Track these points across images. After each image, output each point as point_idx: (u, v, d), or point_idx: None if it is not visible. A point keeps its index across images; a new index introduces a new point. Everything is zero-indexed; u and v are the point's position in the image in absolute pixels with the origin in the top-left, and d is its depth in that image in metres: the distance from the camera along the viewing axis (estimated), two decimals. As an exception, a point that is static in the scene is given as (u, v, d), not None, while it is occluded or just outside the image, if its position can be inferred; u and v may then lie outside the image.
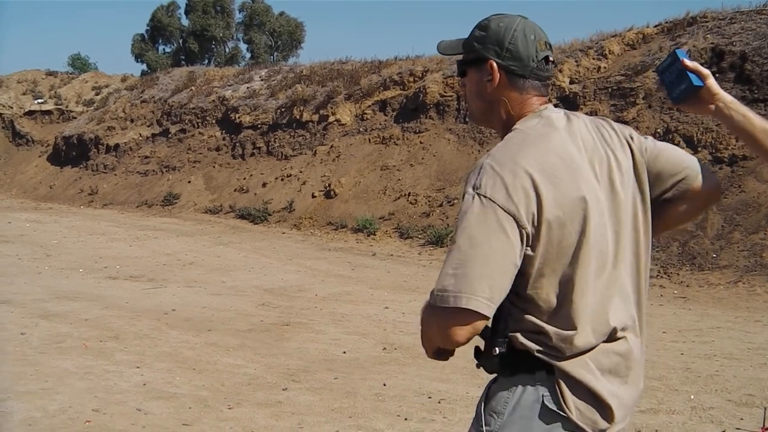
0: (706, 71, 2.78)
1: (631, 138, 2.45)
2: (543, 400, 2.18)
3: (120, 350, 8.43)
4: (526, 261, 2.16)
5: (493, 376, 2.34)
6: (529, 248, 2.15)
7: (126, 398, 6.77)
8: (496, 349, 2.22)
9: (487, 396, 2.32)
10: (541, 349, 2.19)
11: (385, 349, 8.69)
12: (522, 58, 2.34)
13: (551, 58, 2.41)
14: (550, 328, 2.18)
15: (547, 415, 2.18)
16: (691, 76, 2.78)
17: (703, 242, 13.46)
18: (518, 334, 2.22)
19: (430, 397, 6.91)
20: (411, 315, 10.38)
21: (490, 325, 2.22)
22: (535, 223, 2.13)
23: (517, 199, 2.11)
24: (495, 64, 2.36)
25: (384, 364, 8.05)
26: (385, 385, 7.28)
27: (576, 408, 2.17)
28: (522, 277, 2.18)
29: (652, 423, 6.12)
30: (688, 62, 2.77)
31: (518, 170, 2.15)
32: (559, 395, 2.17)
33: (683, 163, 2.49)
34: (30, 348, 8.42)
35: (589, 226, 2.19)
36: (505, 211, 2.10)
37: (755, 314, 10.69)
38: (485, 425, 2.27)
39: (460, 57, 2.53)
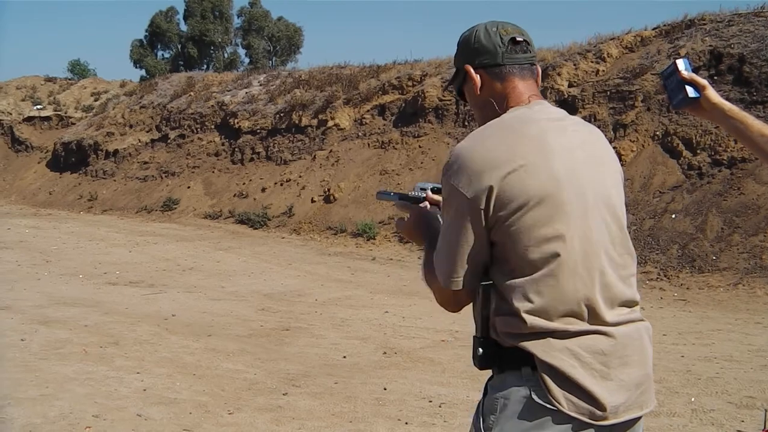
0: (703, 82, 2.85)
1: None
2: (531, 395, 2.20)
3: (120, 356, 8.43)
4: (500, 246, 2.27)
5: (490, 374, 2.39)
6: (497, 231, 2.25)
7: (126, 404, 6.76)
8: (479, 349, 2.31)
9: (484, 394, 2.37)
10: (522, 336, 2.23)
11: (385, 353, 8.69)
12: (489, 50, 2.43)
13: (519, 39, 2.44)
14: (527, 315, 2.22)
15: (535, 410, 2.20)
16: (689, 88, 2.87)
17: (703, 244, 13.45)
18: (503, 332, 2.28)
19: (430, 401, 6.91)
20: (411, 319, 10.38)
21: (476, 329, 2.35)
22: (500, 207, 2.22)
23: (478, 185, 2.22)
24: (470, 68, 2.47)
25: (384, 369, 8.05)
26: (385, 389, 7.28)
27: (567, 399, 2.18)
28: (499, 262, 2.29)
29: (652, 426, 6.11)
30: (685, 74, 2.88)
31: (484, 155, 2.25)
32: (545, 390, 2.18)
33: None
34: (30, 354, 8.41)
35: (564, 210, 2.24)
36: (466, 196, 2.24)
37: (755, 316, 10.69)
38: (482, 422, 2.32)
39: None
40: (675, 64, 2.92)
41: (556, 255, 2.22)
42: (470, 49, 2.46)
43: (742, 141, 2.93)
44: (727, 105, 2.88)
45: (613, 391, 2.23)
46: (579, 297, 2.23)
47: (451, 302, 2.45)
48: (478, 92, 2.46)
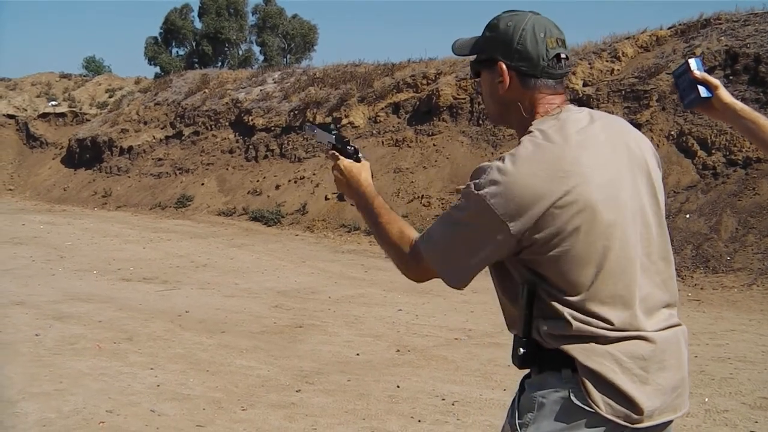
0: (715, 82, 2.86)
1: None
2: (569, 396, 2.22)
3: (134, 352, 8.46)
4: (537, 265, 2.26)
5: (527, 372, 2.41)
6: (532, 252, 2.24)
7: (140, 399, 6.79)
8: (521, 349, 2.31)
9: (521, 391, 2.40)
10: (565, 339, 2.25)
11: (398, 351, 8.70)
12: (531, 58, 2.35)
13: (563, 55, 2.40)
14: (574, 321, 2.23)
15: (573, 411, 2.22)
16: (701, 87, 2.87)
17: (717, 245, 13.42)
18: (546, 334, 2.28)
19: (443, 399, 6.91)
20: (424, 317, 10.38)
21: (517, 329, 2.35)
22: (536, 231, 2.19)
23: (519, 217, 2.19)
24: (504, 66, 2.38)
25: (397, 366, 8.06)
26: (398, 387, 7.28)
27: (605, 403, 2.20)
28: (539, 276, 2.27)
29: (666, 426, 6.10)
30: (697, 74, 2.88)
31: (526, 183, 2.20)
32: (584, 392, 2.20)
33: None
34: (44, 349, 8.45)
35: (603, 234, 2.23)
36: (504, 222, 2.19)
37: (769, 317, 10.65)
38: (518, 419, 2.34)
39: (473, 57, 2.54)
40: (687, 63, 2.92)
41: (596, 276, 2.23)
42: (511, 47, 2.36)
43: (754, 141, 2.93)
44: (739, 105, 2.88)
45: (650, 395, 2.25)
46: (618, 311, 2.24)
47: (425, 278, 2.50)
48: (504, 92, 2.41)
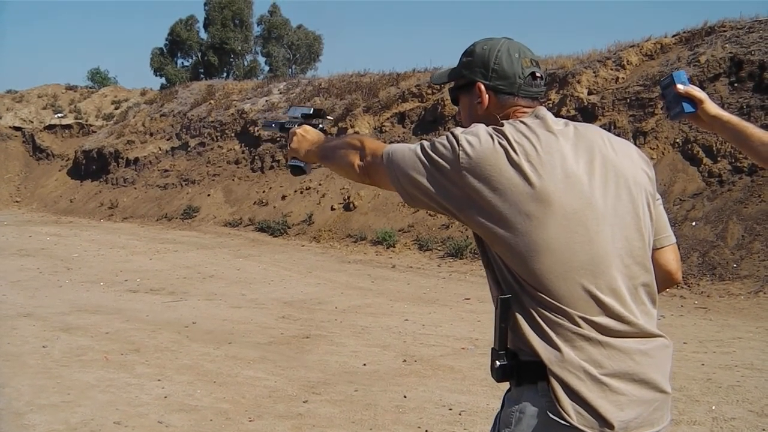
0: (700, 95, 2.88)
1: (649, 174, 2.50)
2: (545, 410, 2.21)
3: (141, 363, 8.47)
4: (503, 259, 2.29)
5: (508, 387, 2.40)
6: (490, 221, 2.27)
7: (147, 411, 6.80)
8: (497, 362, 2.32)
9: (502, 406, 2.39)
10: (537, 345, 2.24)
11: (405, 361, 8.69)
12: (508, 76, 2.44)
13: (538, 74, 2.48)
14: (545, 325, 2.24)
15: (548, 426, 2.21)
16: (684, 104, 2.86)
17: (724, 252, 13.40)
18: (518, 346, 2.30)
19: (450, 409, 6.90)
20: (431, 327, 10.38)
21: (494, 342, 2.36)
22: (491, 190, 2.24)
23: (483, 159, 2.25)
24: (482, 86, 2.47)
25: (404, 376, 8.05)
26: (405, 397, 7.27)
27: (576, 412, 2.18)
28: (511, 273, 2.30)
29: (673, 434, 6.09)
30: (680, 89, 2.90)
31: (499, 141, 2.27)
32: (555, 401, 2.19)
33: (666, 231, 2.56)
34: (52, 361, 8.47)
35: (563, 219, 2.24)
36: (464, 161, 2.26)
37: (777, 324, 10.62)
38: None
39: (452, 85, 2.65)
40: (672, 76, 2.93)
41: (559, 266, 2.23)
42: (488, 68, 2.46)
43: (743, 149, 2.95)
44: (725, 116, 2.90)
45: (623, 405, 2.22)
46: (589, 312, 2.23)
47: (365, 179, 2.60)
48: (482, 111, 2.48)
